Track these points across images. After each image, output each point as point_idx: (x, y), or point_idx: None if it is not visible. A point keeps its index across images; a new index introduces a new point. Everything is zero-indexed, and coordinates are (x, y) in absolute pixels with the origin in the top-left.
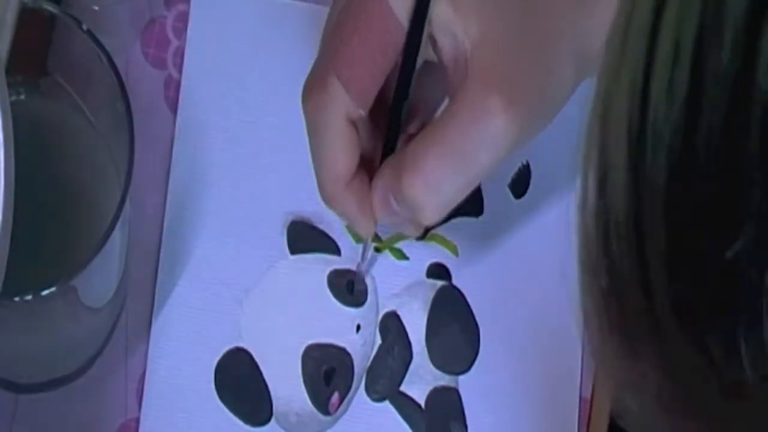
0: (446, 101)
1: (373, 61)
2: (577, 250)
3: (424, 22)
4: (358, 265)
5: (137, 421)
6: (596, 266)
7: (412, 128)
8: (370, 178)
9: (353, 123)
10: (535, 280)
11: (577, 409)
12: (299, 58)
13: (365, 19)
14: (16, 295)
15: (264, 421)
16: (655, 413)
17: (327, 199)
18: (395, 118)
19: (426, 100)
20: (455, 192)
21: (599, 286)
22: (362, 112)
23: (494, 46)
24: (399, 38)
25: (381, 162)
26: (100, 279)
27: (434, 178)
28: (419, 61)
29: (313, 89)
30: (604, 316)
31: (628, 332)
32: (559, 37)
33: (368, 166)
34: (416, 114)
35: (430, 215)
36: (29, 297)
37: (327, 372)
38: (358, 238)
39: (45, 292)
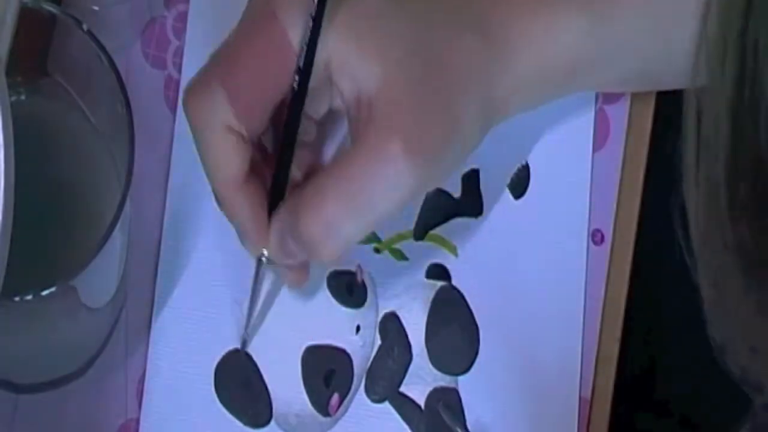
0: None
1: (262, 81)
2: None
3: (314, 53)
4: (252, 293)
5: (137, 421)
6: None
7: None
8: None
9: (235, 133)
10: (534, 280)
11: (577, 409)
12: None
13: (260, 39)
14: (16, 295)
15: (264, 422)
16: None
17: (219, 203)
18: (285, 156)
19: (321, 148)
20: (353, 233)
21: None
22: (245, 132)
23: (398, 91)
24: (291, 64)
25: (272, 197)
26: (100, 279)
27: (332, 220)
28: (322, 106)
29: (195, 92)
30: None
31: None
32: (465, 85)
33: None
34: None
35: (328, 255)
36: (29, 297)
37: (327, 373)
38: None
39: (45, 292)
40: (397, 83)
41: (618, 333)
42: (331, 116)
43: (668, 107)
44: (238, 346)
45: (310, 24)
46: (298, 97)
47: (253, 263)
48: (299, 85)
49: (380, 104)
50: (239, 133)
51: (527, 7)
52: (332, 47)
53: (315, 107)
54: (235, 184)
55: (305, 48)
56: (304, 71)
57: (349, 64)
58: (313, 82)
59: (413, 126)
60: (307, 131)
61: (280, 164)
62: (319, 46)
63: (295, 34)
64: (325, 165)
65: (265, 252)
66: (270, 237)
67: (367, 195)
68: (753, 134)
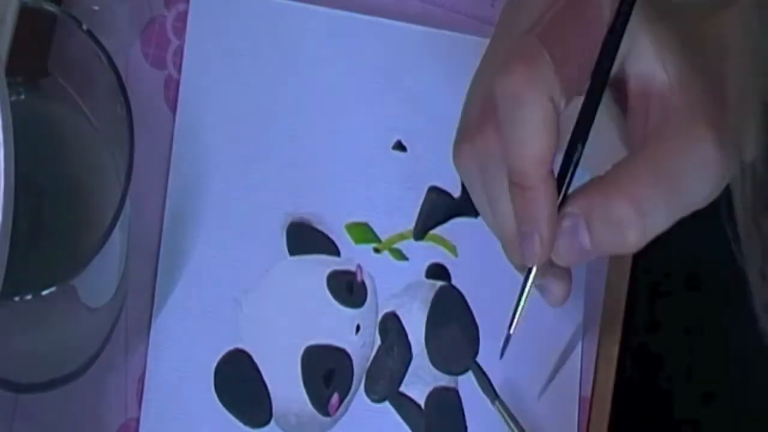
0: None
1: (585, 54)
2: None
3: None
4: (516, 310)
5: (137, 420)
6: None
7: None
8: None
9: (554, 106)
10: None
11: (577, 409)
12: (298, 59)
13: (584, 11)
14: (16, 295)
15: (263, 422)
16: None
17: (522, 187)
18: (586, 122)
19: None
20: (665, 218)
21: None
22: (563, 104)
23: (695, 83)
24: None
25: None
26: (100, 279)
27: (646, 201)
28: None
29: (517, 64)
30: None
31: None
32: (726, 51)
33: None
34: None
35: (635, 242)
36: (29, 297)
37: (326, 373)
38: (357, 239)
39: (45, 292)
40: (693, 76)
41: (618, 333)
42: None
43: None
44: (240, 345)
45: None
46: (599, 73)
47: (254, 265)
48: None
49: (681, 94)
50: (558, 107)
51: None
52: (644, 31)
53: None
54: (546, 168)
55: (613, 28)
56: (611, 49)
57: (646, 59)
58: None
59: (716, 112)
60: None
61: (574, 144)
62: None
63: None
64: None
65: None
66: (561, 229)
67: (680, 177)
68: None
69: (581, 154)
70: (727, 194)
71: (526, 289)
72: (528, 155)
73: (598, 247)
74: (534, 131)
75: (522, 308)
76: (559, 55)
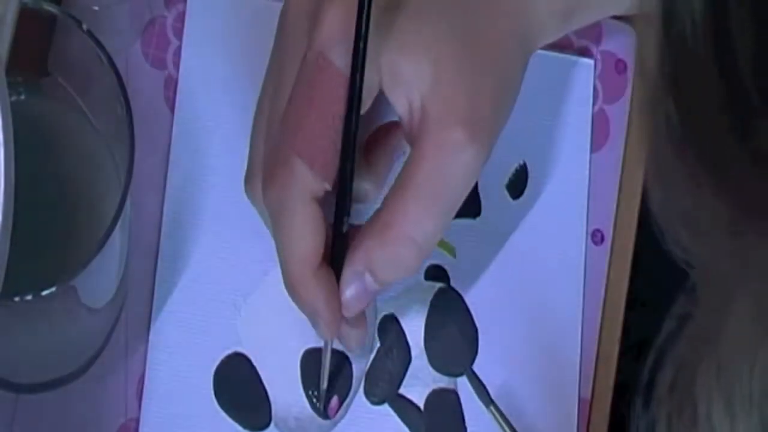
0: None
1: (333, 131)
2: (642, 71)
3: (362, 74)
4: (321, 375)
5: (137, 421)
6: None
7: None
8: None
9: (318, 201)
10: (533, 281)
11: (576, 409)
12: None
13: (319, 91)
14: (16, 295)
15: (263, 425)
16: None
17: (293, 286)
18: (345, 175)
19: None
20: (438, 233)
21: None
22: (328, 186)
23: (449, 81)
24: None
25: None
26: (100, 279)
27: (418, 230)
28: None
29: (276, 174)
30: (672, 125)
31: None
32: (505, 40)
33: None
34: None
35: (416, 265)
36: (29, 297)
37: None
38: None
39: (45, 292)
40: (447, 74)
41: (618, 333)
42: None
43: None
44: (239, 349)
45: (353, 47)
46: (352, 115)
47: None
48: (350, 108)
49: (435, 100)
50: (320, 198)
51: None
52: (383, 62)
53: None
54: (314, 265)
55: (355, 68)
56: (355, 96)
57: (400, 73)
58: (365, 106)
59: (470, 109)
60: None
61: (342, 183)
62: (369, 66)
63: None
64: (393, 182)
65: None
66: (346, 289)
67: (444, 190)
68: None
69: (348, 215)
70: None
71: (326, 357)
72: (295, 258)
73: (384, 283)
74: (296, 234)
75: (326, 372)
76: (308, 152)
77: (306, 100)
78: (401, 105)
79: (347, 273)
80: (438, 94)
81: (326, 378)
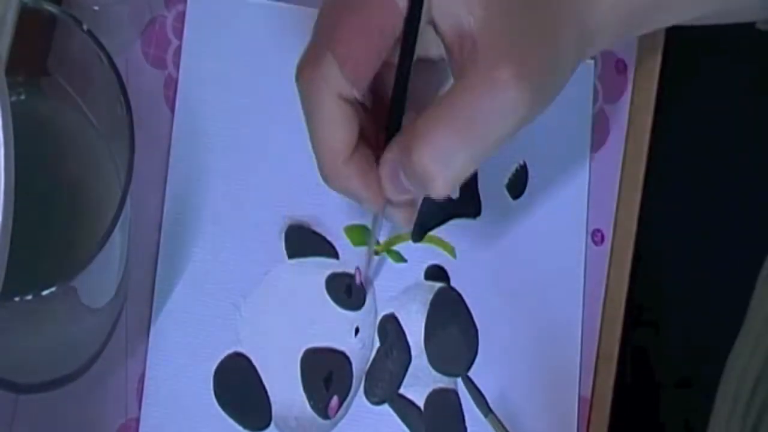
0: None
1: (370, 42)
2: None
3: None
4: (362, 269)
5: (137, 421)
6: None
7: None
8: (376, 160)
9: (348, 101)
10: (533, 281)
11: (576, 409)
12: (296, 60)
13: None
14: (16, 295)
15: (263, 425)
16: None
17: (326, 177)
18: (398, 100)
19: (418, 97)
20: (466, 163)
21: None
22: (356, 93)
23: (501, 22)
24: (396, 21)
25: (385, 144)
26: (100, 279)
27: (445, 149)
28: (418, 49)
29: (306, 65)
30: None
31: None
32: (561, 15)
33: (371, 150)
34: (410, 110)
35: (442, 188)
36: (29, 297)
37: (326, 376)
38: (356, 241)
39: (45, 292)
40: (500, 15)
41: (618, 333)
42: (422, 66)
43: (669, 106)
44: (239, 349)
45: None
46: (408, 42)
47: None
48: (408, 31)
49: (485, 36)
50: (350, 99)
51: None
52: None
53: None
54: (344, 157)
55: None
56: (413, 15)
57: (450, 2)
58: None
59: (520, 52)
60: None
61: (394, 105)
62: None
63: None
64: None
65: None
66: (383, 175)
67: (481, 122)
68: None
69: (402, 113)
70: None
71: (375, 226)
72: (327, 150)
73: (416, 190)
74: (326, 128)
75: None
76: (343, 52)
77: (349, 3)
78: (450, 35)
79: (385, 159)
80: (489, 28)
81: (372, 262)
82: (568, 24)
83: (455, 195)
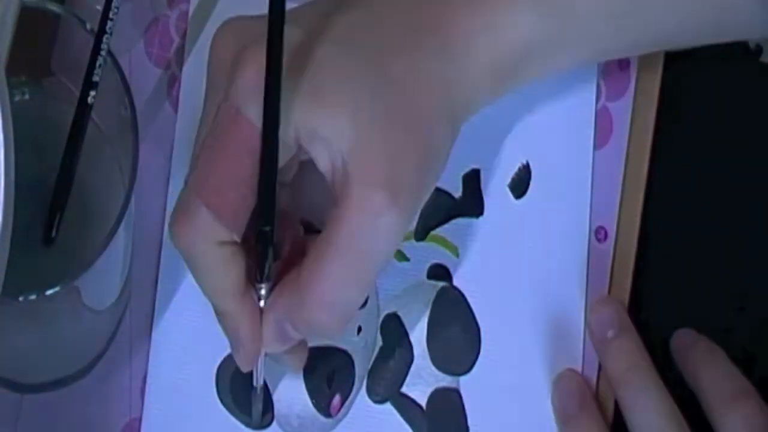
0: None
1: (243, 189)
2: None
3: (276, 132)
4: (253, 388)
5: (141, 420)
6: None
7: (287, 241)
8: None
9: (228, 244)
10: (536, 280)
11: None
12: None
13: (229, 141)
14: (20, 295)
15: (265, 424)
16: None
17: (218, 314)
18: (264, 243)
19: (312, 200)
20: (356, 299)
21: None
22: (236, 237)
23: (369, 142)
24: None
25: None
26: (103, 280)
27: (338, 296)
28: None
29: (179, 219)
30: None
31: None
32: (430, 103)
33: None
34: (290, 225)
35: (336, 331)
36: (33, 297)
37: (328, 374)
38: None
39: (49, 292)
40: (367, 134)
41: None
42: (300, 177)
43: (672, 103)
44: None
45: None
46: (268, 176)
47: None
48: (265, 166)
49: (355, 161)
50: (230, 241)
51: (474, 3)
52: (298, 119)
53: (284, 176)
54: (237, 296)
55: (265, 122)
56: (269, 151)
57: (318, 130)
58: (283, 161)
59: (391, 172)
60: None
61: (260, 249)
62: (284, 123)
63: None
64: (313, 242)
65: (260, 366)
66: (266, 330)
67: (364, 256)
68: None
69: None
70: None
71: (256, 375)
72: (213, 295)
73: (307, 336)
74: (210, 277)
75: (256, 387)
76: (215, 201)
77: (217, 150)
78: (322, 161)
79: (268, 318)
80: (359, 154)
81: (257, 407)
82: (436, 109)
83: (457, 194)
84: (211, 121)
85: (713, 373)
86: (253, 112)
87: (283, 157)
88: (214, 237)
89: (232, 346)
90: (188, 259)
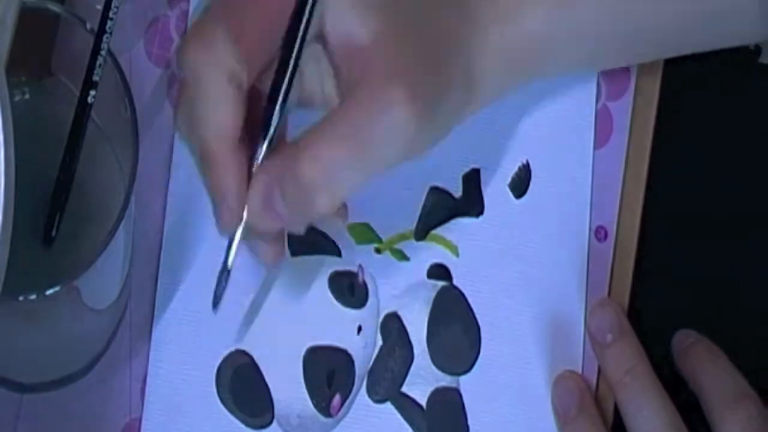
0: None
1: (268, 20)
2: None
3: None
4: (223, 266)
5: (141, 420)
6: None
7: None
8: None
9: (236, 81)
10: (536, 279)
11: None
12: None
13: None
14: (20, 295)
15: (265, 423)
16: None
17: (207, 159)
18: (276, 99)
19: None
20: (354, 181)
21: None
22: (245, 78)
23: (394, 41)
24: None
25: (257, 152)
26: (103, 280)
27: (333, 163)
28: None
29: (193, 42)
30: None
31: None
32: (450, 51)
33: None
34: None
35: (325, 203)
36: (33, 296)
37: (328, 374)
38: (359, 239)
39: (49, 292)
40: (395, 34)
41: None
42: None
43: (672, 103)
44: (242, 347)
45: None
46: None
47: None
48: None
49: (379, 53)
50: (239, 82)
51: None
52: (329, 2)
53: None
54: (229, 142)
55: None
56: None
57: (343, 17)
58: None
59: (413, 74)
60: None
61: (273, 103)
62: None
63: None
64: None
65: (240, 228)
66: (252, 193)
67: (370, 139)
68: None
69: (280, 116)
70: None
71: (232, 251)
72: (209, 132)
73: (292, 212)
74: (213, 109)
75: (229, 265)
76: (237, 30)
77: None
78: (340, 50)
79: (258, 178)
80: (383, 46)
81: (220, 293)
82: (455, 59)
83: (457, 194)
84: None
85: (713, 375)
86: None
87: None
88: (226, 65)
89: (214, 203)
90: (195, 87)
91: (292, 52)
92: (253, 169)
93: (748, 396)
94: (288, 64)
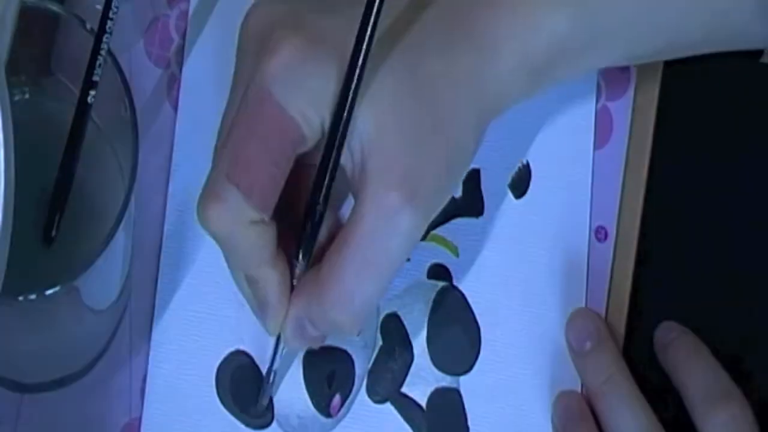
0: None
1: (274, 170)
2: None
3: (345, 130)
4: (269, 371)
5: (141, 420)
6: None
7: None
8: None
9: (258, 223)
10: (536, 280)
11: None
12: None
13: (260, 123)
14: (20, 295)
15: (265, 424)
16: None
17: (249, 282)
18: (313, 221)
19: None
20: (372, 298)
21: None
22: (265, 217)
23: (390, 139)
24: (296, 135)
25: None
26: (103, 280)
27: (357, 295)
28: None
29: (209, 201)
30: None
31: None
32: (458, 101)
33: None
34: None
35: (353, 330)
36: (33, 296)
37: (328, 374)
38: None
39: (49, 292)
40: (388, 131)
41: (621, 330)
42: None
43: (672, 103)
44: (242, 347)
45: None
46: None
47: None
48: (327, 154)
49: (375, 153)
50: (260, 218)
51: (508, 3)
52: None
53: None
54: (267, 266)
55: (338, 112)
56: (333, 141)
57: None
58: (311, 143)
59: (409, 170)
60: None
61: (305, 234)
62: (314, 108)
63: (294, 105)
64: (336, 237)
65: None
66: (287, 328)
67: (382, 256)
68: None
69: (322, 213)
70: None
71: (278, 353)
72: (250, 267)
73: (326, 333)
74: (242, 254)
75: (274, 368)
76: (246, 184)
77: (246, 132)
78: (344, 157)
79: (289, 315)
80: (379, 148)
81: (268, 393)
82: (464, 108)
83: (457, 194)
84: (240, 102)
85: (695, 373)
86: (282, 91)
87: (311, 140)
88: (244, 218)
89: (259, 312)
90: (219, 240)
91: (324, 180)
92: (294, 280)
93: (731, 395)
94: (321, 188)
